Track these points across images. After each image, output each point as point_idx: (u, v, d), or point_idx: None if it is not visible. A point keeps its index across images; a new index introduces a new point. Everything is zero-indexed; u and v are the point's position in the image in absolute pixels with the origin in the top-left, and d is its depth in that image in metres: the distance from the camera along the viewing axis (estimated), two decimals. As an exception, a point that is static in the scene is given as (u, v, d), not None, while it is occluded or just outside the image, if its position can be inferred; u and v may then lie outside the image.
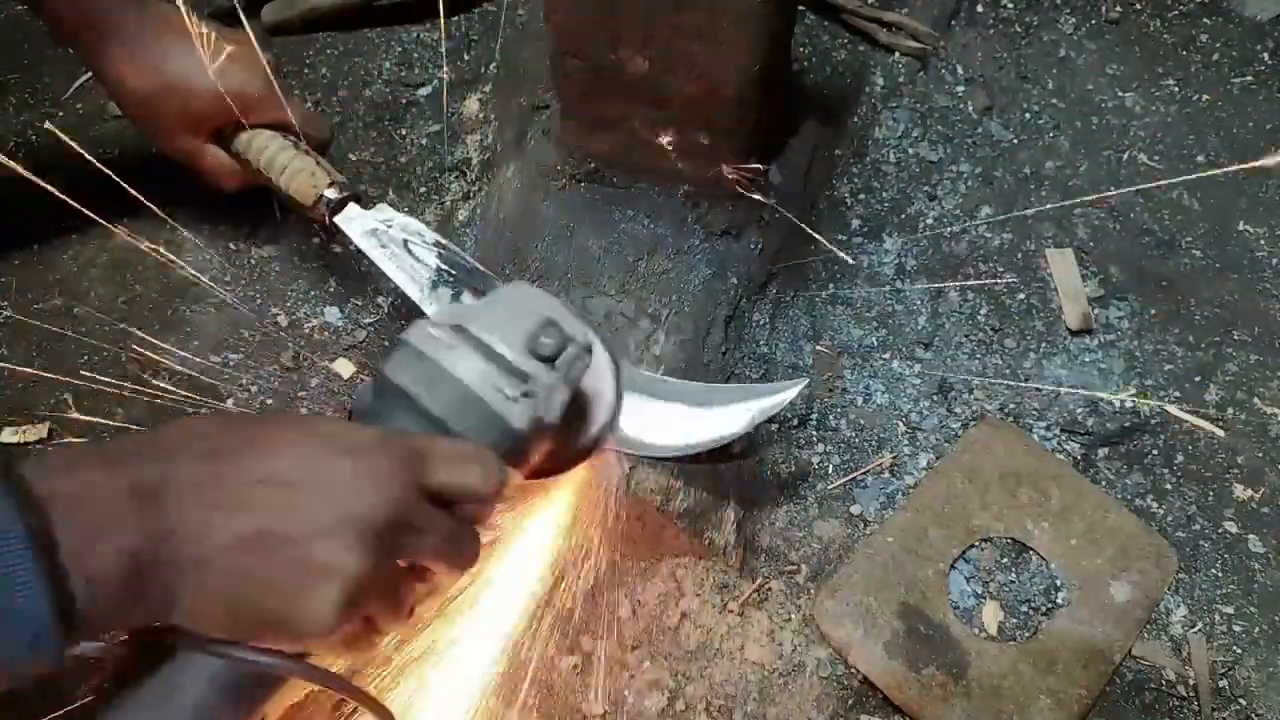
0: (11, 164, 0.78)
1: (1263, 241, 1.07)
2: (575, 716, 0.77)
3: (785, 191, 0.96)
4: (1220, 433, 0.95)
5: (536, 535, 0.77)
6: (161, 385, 0.91)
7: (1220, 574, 0.88)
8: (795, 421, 0.93)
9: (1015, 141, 1.13)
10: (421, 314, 0.82)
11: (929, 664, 0.79)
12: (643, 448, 0.78)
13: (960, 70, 1.17)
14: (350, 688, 0.52)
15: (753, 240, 0.92)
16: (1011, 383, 0.97)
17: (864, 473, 0.91)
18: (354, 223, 0.84)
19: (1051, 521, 0.87)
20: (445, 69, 1.15)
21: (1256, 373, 0.99)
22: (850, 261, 1.01)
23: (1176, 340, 1.00)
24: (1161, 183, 1.09)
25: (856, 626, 0.81)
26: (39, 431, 0.87)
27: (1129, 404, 0.96)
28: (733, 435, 0.79)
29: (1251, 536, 0.89)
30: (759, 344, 0.95)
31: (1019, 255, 1.05)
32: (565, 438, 0.65)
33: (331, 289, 0.98)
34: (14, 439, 0.86)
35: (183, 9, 0.80)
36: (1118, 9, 1.23)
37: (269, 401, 0.91)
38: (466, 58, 1.16)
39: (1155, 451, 0.94)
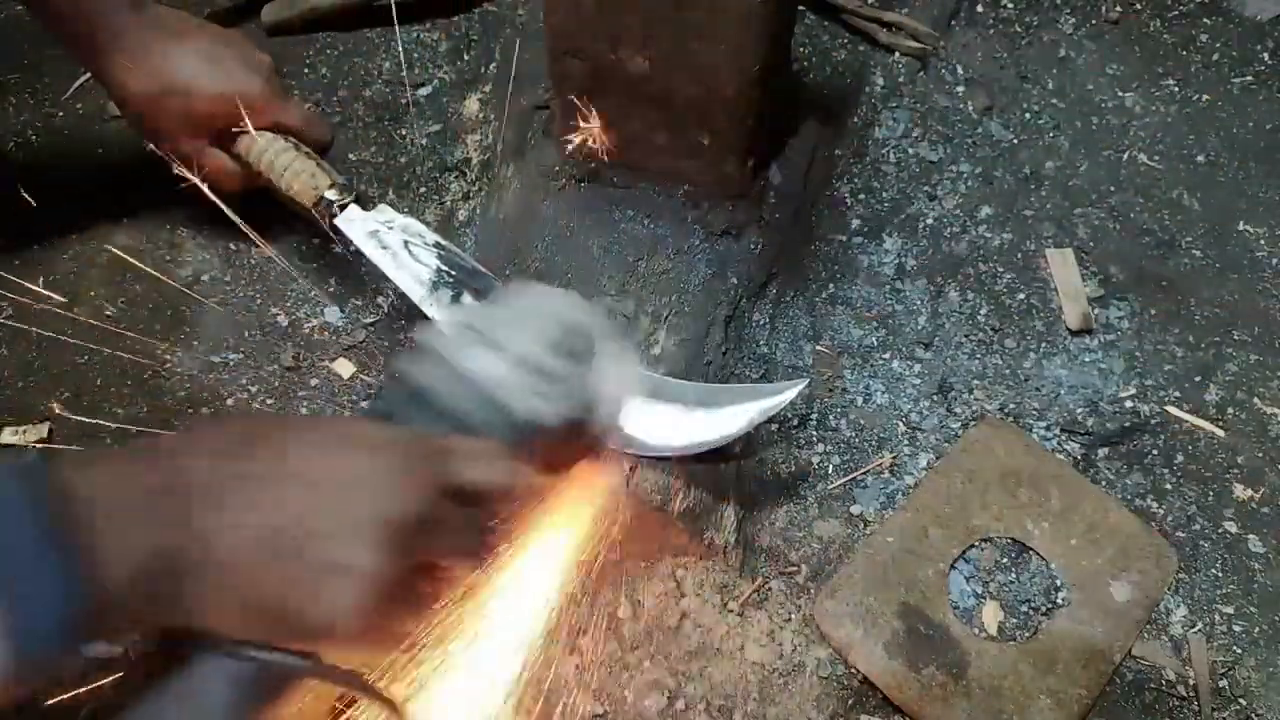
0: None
1: (1263, 241, 1.07)
2: (575, 717, 0.77)
3: (785, 191, 0.96)
4: (1220, 433, 0.95)
5: (543, 536, 0.77)
6: (161, 385, 0.91)
7: (1220, 574, 0.88)
8: (795, 421, 0.93)
9: (1015, 141, 1.13)
10: (422, 314, 0.82)
11: (929, 664, 0.80)
12: (644, 447, 0.78)
13: (960, 70, 1.17)
14: (367, 688, 0.53)
15: (753, 240, 0.92)
16: (1011, 383, 0.97)
17: (864, 473, 0.91)
18: (354, 224, 0.84)
19: (1051, 521, 0.87)
20: (445, 69, 1.15)
21: (1256, 373, 0.99)
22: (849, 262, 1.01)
23: (1176, 340, 1.00)
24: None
25: (856, 626, 0.81)
26: (39, 431, 0.87)
27: (1129, 404, 0.96)
28: (733, 435, 0.79)
29: (1251, 536, 0.89)
30: (759, 344, 0.95)
31: (1019, 255, 1.05)
32: (578, 433, 0.65)
33: (331, 289, 0.98)
34: (14, 439, 0.86)
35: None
36: (1118, 9, 1.23)
37: (269, 401, 0.91)
38: (466, 58, 1.16)
39: (1155, 451, 0.94)
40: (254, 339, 0.94)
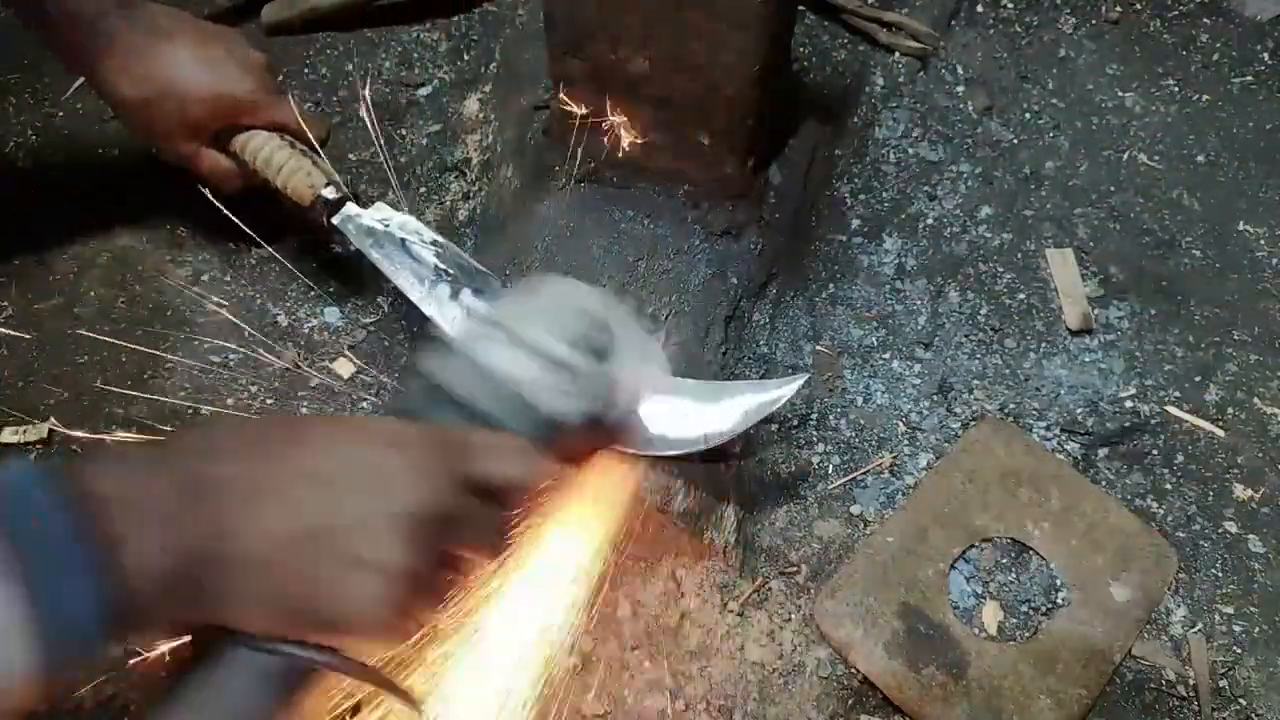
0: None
1: (1263, 241, 1.07)
2: (575, 717, 0.77)
3: (785, 191, 0.96)
4: (1220, 433, 0.95)
5: (560, 530, 0.77)
6: (161, 385, 0.91)
7: (1220, 574, 0.88)
8: (795, 421, 0.93)
9: (1015, 141, 1.13)
10: (420, 313, 0.82)
11: (929, 664, 0.79)
12: (650, 444, 0.78)
13: (960, 70, 1.17)
14: (390, 684, 0.53)
15: (753, 240, 0.92)
16: (1011, 383, 0.97)
17: (864, 473, 0.91)
18: (351, 222, 0.84)
19: (1051, 521, 0.87)
20: (445, 69, 1.15)
21: (1256, 373, 0.99)
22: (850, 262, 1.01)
23: (1176, 340, 1.00)
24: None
25: (856, 626, 0.81)
26: (39, 431, 0.87)
27: (1129, 404, 0.96)
28: (735, 431, 0.78)
29: (1251, 536, 0.89)
30: (759, 344, 0.95)
31: (1019, 255, 1.05)
32: (597, 428, 0.65)
33: (331, 289, 0.98)
34: (14, 439, 0.86)
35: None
36: (1118, 9, 1.23)
37: (269, 401, 0.91)
38: (466, 58, 1.16)
39: (1155, 451, 0.94)
40: (254, 339, 0.94)
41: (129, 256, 0.97)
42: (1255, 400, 0.97)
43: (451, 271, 0.82)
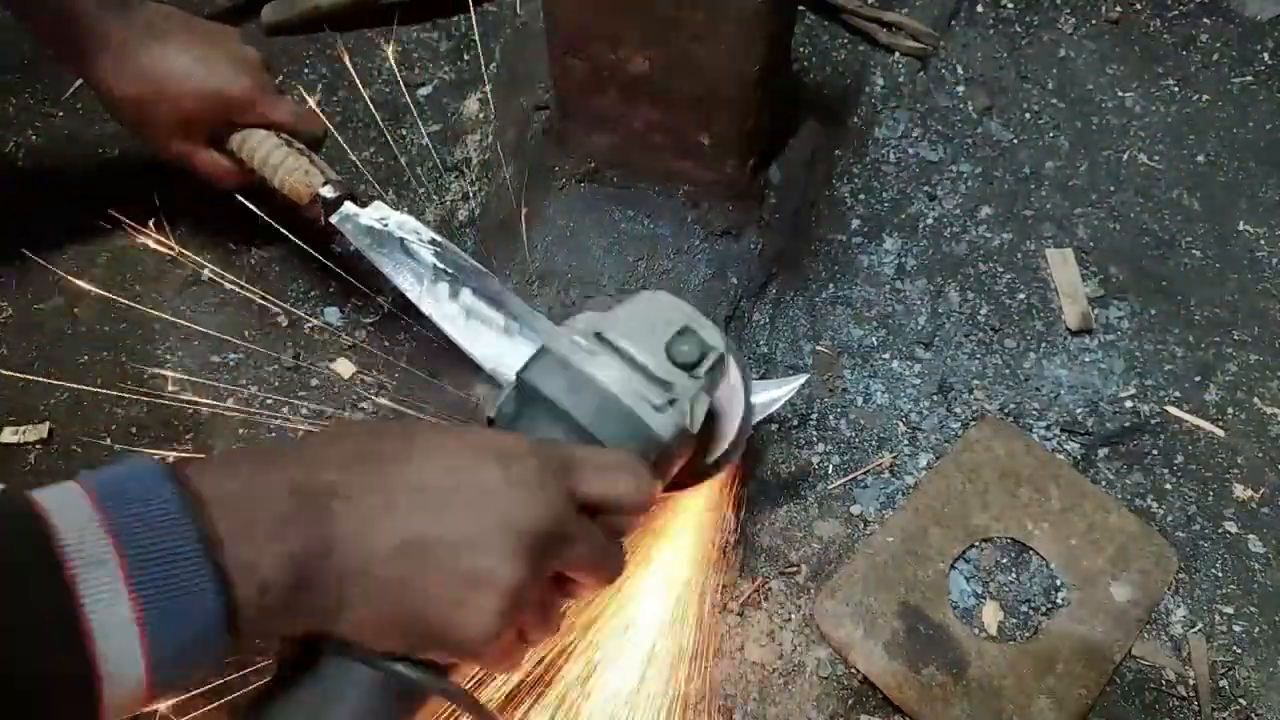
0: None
1: (1263, 241, 1.07)
2: (575, 717, 0.77)
3: (785, 191, 0.96)
4: (1220, 433, 0.95)
5: (663, 554, 0.77)
6: (161, 385, 0.91)
7: (1220, 574, 0.88)
8: (795, 421, 0.93)
9: (1015, 141, 1.13)
10: (418, 311, 0.82)
11: (929, 664, 0.79)
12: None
13: (960, 70, 1.17)
14: (488, 713, 0.52)
15: (753, 240, 0.92)
16: (1011, 383, 0.97)
17: (864, 473, 0.91)
18: (350, 221, 0.84)
19: (1051, 521, 0.87)
20: (445, 69, 1.15)
21: (1256, 373, 0.99)
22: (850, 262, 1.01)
23: (1176, 340, 1.00)
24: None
25: (856, 626, 0.81)
26: (39, 431, 0.87)
27: (1129, 404, 0.96)
28: (735, 430, 0.78)
29: (1251, 536, 0.89)
30: (759, 344, 0.95)
31: (1019, 255, 1.05)
32: (701, 450, 0.64)
33: (331, 289, 0.98)
34: (14, 439, 0.86)
35: None
36: (1118, 9, 1.23)
37: (269, 401, 0.91)
38: (466, 58, 1.16)
39: (1155, 451, 0.94)
40: (254, 339, 0.94)
41: (129, 256, 0.97)
42: (1255, 400, 0.97)
43: (450, 271, 0.81)
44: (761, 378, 0.92)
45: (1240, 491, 0.92)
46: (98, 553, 0.37)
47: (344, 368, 0.93)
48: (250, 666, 0.68)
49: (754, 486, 0.89)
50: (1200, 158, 1.13)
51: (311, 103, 1.10)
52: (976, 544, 0.86)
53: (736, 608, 0.83)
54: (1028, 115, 1.15)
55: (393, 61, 1.15)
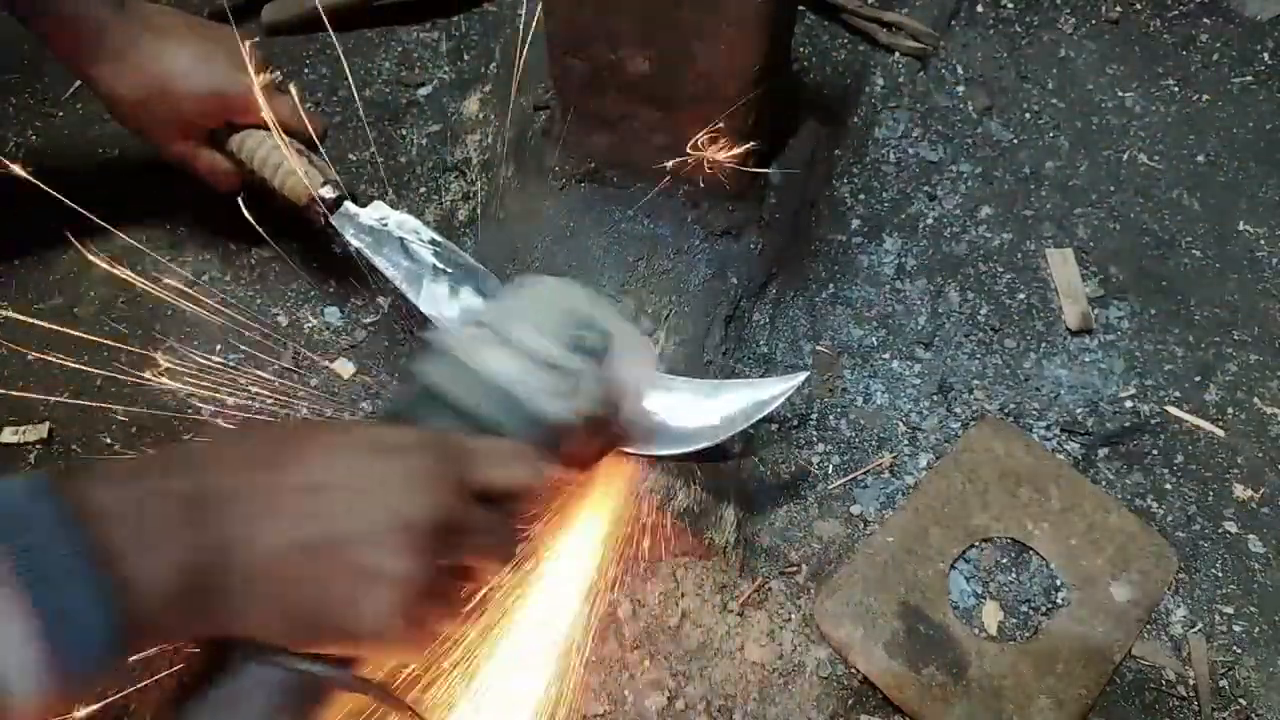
0: (14, 168, 0.77)
1: (1263, 241, 1.07)
2: (575, 717, 0.77)
3: (785, 191, 0.96)
4: (1220, 433, 0.95)
5: (567, 536, 0.77)
6: (161, 385, 0.91)
7: (1220, 574, 0.88)
8: (795, 421, 0.93)
9: (1015, 141, 1.13)
10: (419, 311, 0.82)
11: (929, 664, 0.79)
12: (646, 445, 0.78)
13: (960, 70, 1.17)
14: (402, 704, 0.53)
15: (753, 240, 0.92)
16: (1011, 383, 0.97)
17: (864, 473, 0.91)
18: (349, 221, 0.84)
19: (1051, 521, 0.87)
20: (445, 69, 1.15)
21: (1256, 373, 0.99)
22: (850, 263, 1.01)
23: (1176, 340, 1.00)
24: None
25: (856, 626, 0.81)
26: (39, 431, 0.87)
27: (1129, 404, 0.96)
28: (733, 430, 0.79)
29: (1251, 536, 0.89)
30: (759, 344, 0.95)
31: (1019, 255, 1.05)
32: (598, 431, 0.65)
33: (331, 289, 0.98)
34: (14, 439, 0.86)
35: None
36: (1118, 9, 1.23)
37: (269, 401, 0.91)
38: (466, 58, 1.16)
39: (1155, 451, 0.94)
40: (254, 339, 0.94)
41: (129, 256, 0.97)
42: (1255, 400, 0.97)
43: (450, 270, 0.81)
44: (761, 377, 0.93)
45: (1240, 491, 0.92)
46: None
47: (344, 368, 0.93)
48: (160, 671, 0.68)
49: (754, 486, 0.89)
50: (1200, 158, 1.13)
51: (311, 103, 1.10)
52: (976, 544, 0.86)
53: (736, 608, 0.83)
54: (1028, 115, 1.15)
55: (392, 61, 1.15)
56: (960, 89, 1.16)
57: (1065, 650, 0.81)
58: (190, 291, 0.96)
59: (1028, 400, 0.96)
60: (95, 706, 0.61)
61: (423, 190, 1.06)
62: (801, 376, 0.79)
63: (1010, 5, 1.23)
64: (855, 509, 0.89)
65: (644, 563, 0.83)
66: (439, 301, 0.80)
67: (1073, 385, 0.97)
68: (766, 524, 0.88)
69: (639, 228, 0.91)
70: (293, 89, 0.87)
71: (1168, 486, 0.92)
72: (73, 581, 0.39)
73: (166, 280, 0.96)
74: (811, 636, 0.83)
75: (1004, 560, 0.86)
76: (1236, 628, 0.85)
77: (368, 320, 0.96)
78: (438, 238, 0.83)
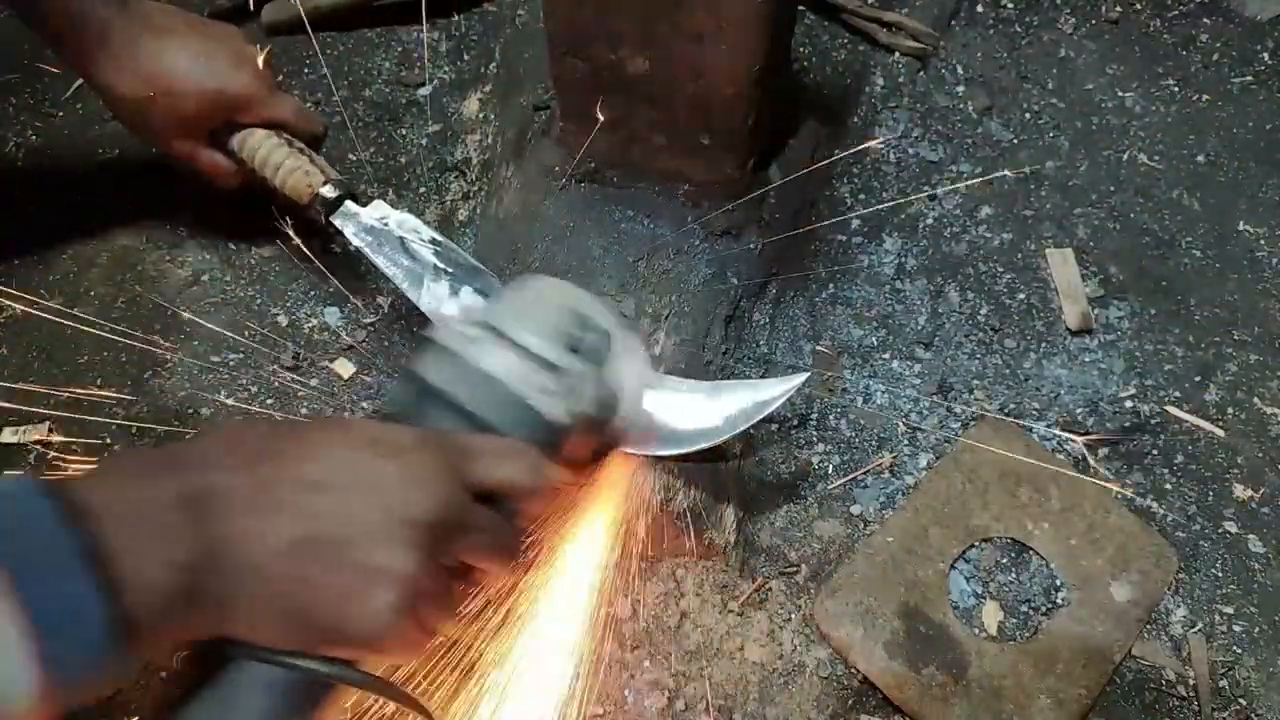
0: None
1: (1263, 241, 1.07)
2: (575, 717, 0.77)
3: (785, 191, 0.96)
4: (1220, 433, 0.95)
5: (572, 536, 0.77)
6: (161, 385, 0.91)
7: (1220, 574, 0.88)
8: (795, 421, 0.93)
9: (1015, 141, 1.13)
10: (419, 310, 0.82)
11: (929, 664, 0.79)
12: (645, 446, 0.78)
13: (960, 70, 1.17)
14: (405, 696, 0.52)
15: (753, 240, 0.92)
16: (1011, 383, 0.97)
17: (864, 473, 0.91)
18: (350, 220, 0.84)
19: (1051, 521, 0.87)
20: (445, 69, 1.15)
21: (1256, 373, 0.99)
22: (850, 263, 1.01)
23: (1176, 340, 1.00)
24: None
25: (856, 626, 0.81)
26: (39, 431, 0.87)
27: (1129, 404, 0.96)
28: (734, 430, 0.78)
29: (1251, 536, 0.89)
30: (759, 344, 0.95)
31: (1019, 255, 1.05)
32: (599, 429, 0.65)
33: (331, 289, 0.98)
34: (14, 439, 0.86)
35: None
36: (1118, 9, 1.23)
37: (269, 401, 0.91)
38: (466, 58, 1.16)
39: (1155, 451, 0.94)
40: (254, 339, 0.94)
41: (129, 256, 0.97)
42: (1255, 400, 0.97)
43: (450, 270, 0.81)
44: (761, 377, 0.93)
45: (1240, 491, 0.92)
46: None
47: (344, 368, 0.93)
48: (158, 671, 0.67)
49: (754, 486, 0.89)
50: (1200, 158, 1.13)
51: (311, 103, 1.10)
52: (976, 544, 0.86)
53: (736, 608, 0.83)
54: (1028, 115, 1.15)
55: (392, 61, 1.15)
56: (960, 89, 1.16)
57: (1065, 650, 0.81)
58: (190, 291, 0.96)
59: (1028, 400, 0.96)
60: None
61: (423, 190, 1.06)
62: (802, 377, 0.79)
63: (1010, 5, 1.23)
64: (855, 509, 0.89)
65: (644, 563, 0.83)
66: (439, 301, 0.80)
67: (1073, 385, 0.97)
68: (766, 524, 0.88)
69: (639, 228, 0.90)
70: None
71: (1168, 486, 0.92)
72: (67, 582, 0.38)
73: (166, 280, 0.97)
74: (811, 636, 0.83)
75: (1004, 560, 0.86)
76: (1236, 628, 0.85)
77: (368, 320, 0.96)
78: (438, 237, 0.83)
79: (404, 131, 1.10)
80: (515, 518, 0.56)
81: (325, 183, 0.84)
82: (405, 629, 0.49)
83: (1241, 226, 1.08)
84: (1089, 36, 1.21)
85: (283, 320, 0.96)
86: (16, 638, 0.36)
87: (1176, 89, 1.18)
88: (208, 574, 0.43)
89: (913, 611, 0.82)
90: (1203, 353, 1.00)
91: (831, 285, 1.01)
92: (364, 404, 0.92)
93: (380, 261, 0.82)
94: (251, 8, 1.13)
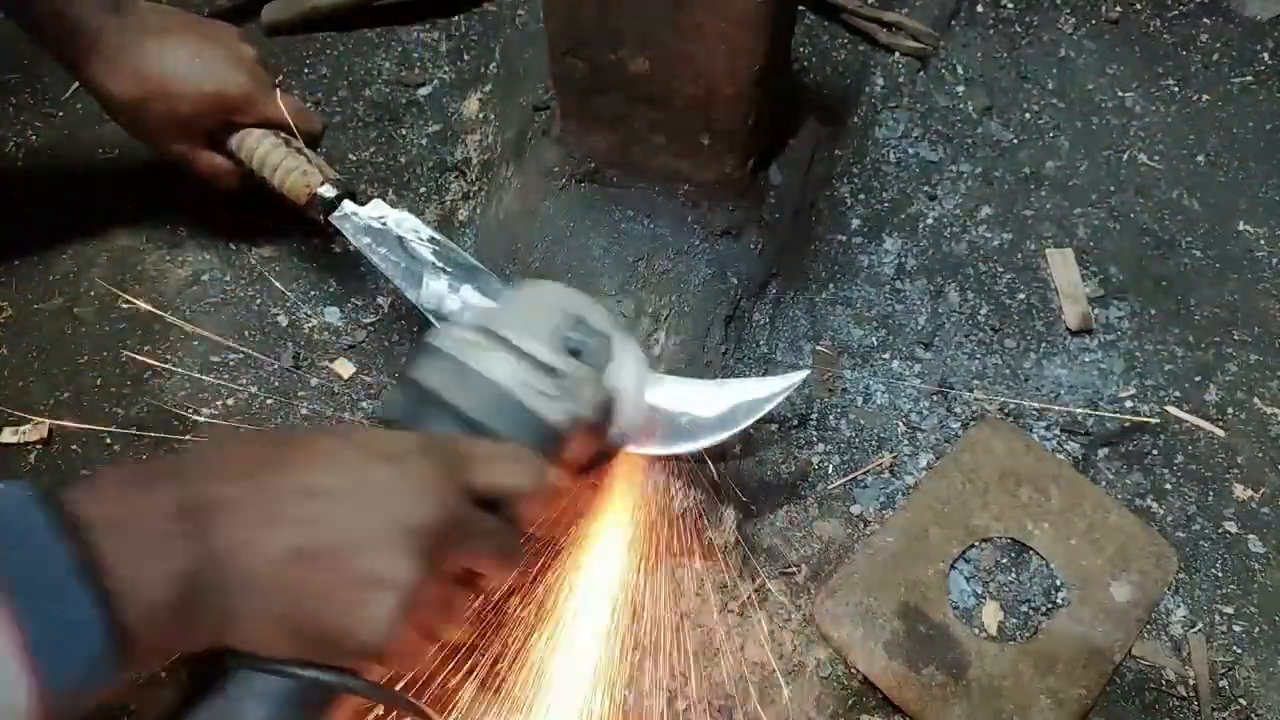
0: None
1: (1263, 241, 1.07)
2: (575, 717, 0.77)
3: (785, 191, 0.96)
4: (1220, 433, 0.94)
5: (583, 541, 0.77)
6: (161, 385, 0.91)
7: (1220, 574, 0.88)
8: (795, 421, 0.93)
9: (1015, 141, 1.13)
10: (418, 310, 0.82)
11: (929, 664, 0.79)
12: (648, 446, 0.78)
13: (960, 70, 1.17)
14: (410, 704, 0.52)
15: (753, 240, 0.92)
16: (1011, 383, 0.97)
17: (864, 473, 0.91)
18: (349, 220, 0.84)
19: (1051, 521, 0.87)
20: (445, 69, 1.15)
21: (1256, 373, 0.99)
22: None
23: (1176, 340, 1.00)
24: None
25: (856, 626, 0.81)
26: (39, 431, 0.87)
27: (1129, 404, 0.96)
28: (734, 429, 0.78)
29: (1251, 536, 0.89)
30: (759, 344, 0.95)
31: (1019, 255, 1.05)
32: (599, 432, 0.65)
33: (331, 289, 0.98)
34: (14, 439, 0.86)
35: None
36: (1118, 9, 1.23)
37: (269, 401, 0.91)
38: (466, 58, 1.16)
39: (1155, 451, 0.94)
40: (254, 339, 0.94)
41: (129, 256, 0.97)
42: (1255, 400, 0.97)
43: (449, 269, 0.81)
44: (762, 377, 0.93)
45: (1240, 491, 0.92)
46: None
47: (344, 368, 0.93)
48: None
49: (754, 486, 0.89)
50: (1200, 158, 1.13)
51: (311, 103, 1.10)
52: (976, 544, 0.86)
53: (736, 608, 0.83)
54: (1028, 115, 1.15)
55: (392, 61, 1.15)
56: (960, 89, 1.16)
57: (1065, 650, 0.81)
58: (190, 291, 0.96)
59: (1028, 400, 0.96)
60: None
61: (423, 190, 1.06)
62: (802, 374, 0.79)
63: (1010, 5, 1.23)
64: (855, 509, 0.89)
65: (644, 563, 0.83)
66: (438, 300, 0.80)
67: (1073, 385, 0.97)
68: (766, 524, 0.88)
69: (639, 228, 0.91)
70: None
71: (1168, 486, 0.92)
72: (63, 594, 0.38)
73: (166, 280, 0.97)
74: (811, 636, 0.83)
75: (1004, 560, 0.86)
76: (1236, 628, 0.85)
77: (368, 320, 0.96)
78: (437, 236, 0.83)
79: (404, 131, 1.10)
80: (516, 522, 0.56)
81: (323, 182, 0.84)
82: (407, 637, 0.48)
83: (1241, 226, 1.08)
84: (1089, 36, 1.21)
85: (283, 320, 0.96)
86: (13, 650, 0.36)
87: (1176, 89, 1.18)
88: (206, 585, 0.43)
89: (913, 611, 0.82)
90: (1203, 353, 1.00)
91: (831, 285, 1.01)
92: (364, 404, 0.92)
93: (378, 261, 0.82)
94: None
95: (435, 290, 0.80)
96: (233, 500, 0.45)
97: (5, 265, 0.96)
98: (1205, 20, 1.23)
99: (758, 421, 0.79)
